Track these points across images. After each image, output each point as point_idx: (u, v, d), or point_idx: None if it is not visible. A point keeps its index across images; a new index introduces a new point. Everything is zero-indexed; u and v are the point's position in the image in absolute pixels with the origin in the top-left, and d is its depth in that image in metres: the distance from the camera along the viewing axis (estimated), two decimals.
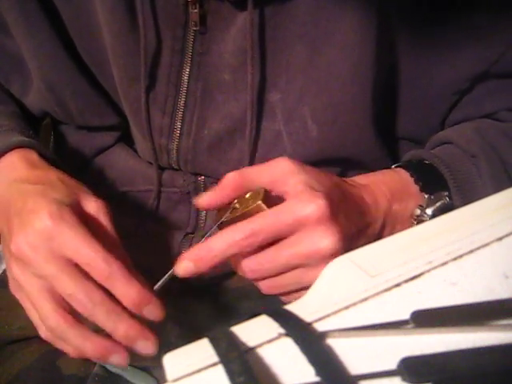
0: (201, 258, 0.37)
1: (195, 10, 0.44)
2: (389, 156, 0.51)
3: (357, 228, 0.40)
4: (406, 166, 0.47)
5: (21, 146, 0.45)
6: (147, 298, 0.36)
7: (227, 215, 0.39)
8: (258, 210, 0.38)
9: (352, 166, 0.51)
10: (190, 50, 0.46)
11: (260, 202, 0.38)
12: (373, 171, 0.49)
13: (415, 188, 0.45)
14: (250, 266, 0.38)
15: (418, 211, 0.44)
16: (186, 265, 0.37)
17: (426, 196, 0.44)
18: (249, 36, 0.43)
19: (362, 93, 0.45)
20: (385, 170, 0.47)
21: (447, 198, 0.44)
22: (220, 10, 0.44)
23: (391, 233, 0.43)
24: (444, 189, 0.44)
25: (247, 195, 0.40)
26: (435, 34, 0.45)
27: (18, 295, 0.41)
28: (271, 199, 0.39)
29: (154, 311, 0.37)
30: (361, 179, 0.46)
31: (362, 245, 0.40)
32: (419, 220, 0.44)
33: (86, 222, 0.39)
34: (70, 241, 0.36)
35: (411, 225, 0.44)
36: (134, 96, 0.49)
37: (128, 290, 0.36)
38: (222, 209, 0.41)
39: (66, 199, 0.39)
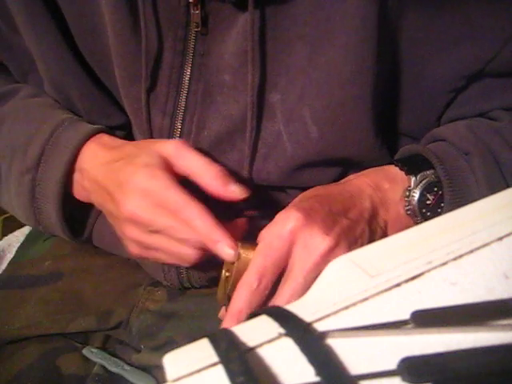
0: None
1: (197, 11, 0.44)
2: (389, 154, 0.51)
3: (347, 219, 0.40)
4: (393, 161, 0.48)
5: (93, 134, 0.49)
6: (218, 236, 0.40)
7: (229, 288, 0.40)
8: (246, 261, 0.39)
9: (352, 165, 0.51)
10: (191, 51, 0.46)
11: (241, 252, 0.40)
12: None
13: (400, 174, 0.46)
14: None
15: (407, 192, 0.45)
16: None
17: (413, 178, 0.45)
18: (249, 37, 0.43)
19: (363, 93, 0.45)
20: (370, 169, 0.49)
21: (433, 176, 0.45)
22: (221, 11, 0.44)
23: (386, 216, 0.45)
24: (429, 168, 0.46)
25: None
26: (434, 31, 0.45)
27: (144, 253, 0.46)
28: (249, 244, 0.41)
29: (224, 247, 0.40)
30: (345, 179, 0.48)
31: (359, 230, 0.41)
32: (409, 202, 0.45)
33: (173, 170, 0.44)
34: (162, 194, 0.41)
35: (403, 206, 0.46)
36: (135, 96, 0.49)
37: (203, 229, 0.40)
38: (219, 285, 0.42)
39: (151, 160, 0.43)
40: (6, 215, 1.25)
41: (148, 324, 0.57)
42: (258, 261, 0.38)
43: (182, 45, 0.46)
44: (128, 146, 0.47)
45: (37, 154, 0.48)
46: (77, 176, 0.48)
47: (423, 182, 0.45)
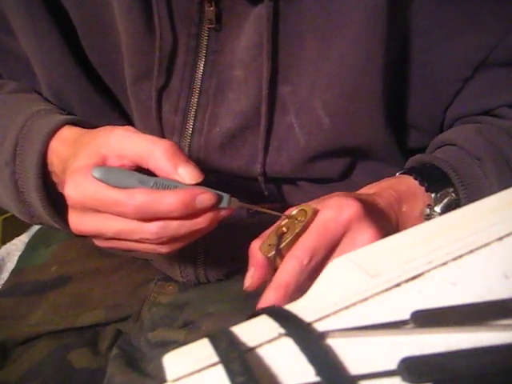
0: (281, 300, 0.35)
1: (211, 8, 0.44)
2: (396, 144, 0.51)
3: (383, 227, 0.40)
4: (410, 171, 0.47)
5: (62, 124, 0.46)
6: (188, 198, 0.36)
7: (284, 243, 0.38)
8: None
9: (361, 155, 0.51)
10: (204, 47, 0.46)
11: (309, 212, 0.38)
12: (381, 160, 0.50)
13: (421, 189, 0.45)
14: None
15: (428, 210, 0.45)
16: None
17: (433, 195, 0.45)
18: (265, 30, 0.43)
19: (373, 82, 0.46)
20: (388, 178, 0.48)
21: (453, 194, 0.45)
22: (235, 7, 0.44)
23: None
24: (449, 186, 0.45)
25: (293, 212, 0.40)
26: (439, 19, 0.45)
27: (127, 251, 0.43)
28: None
29: (205, 198, 0.37)
30: (366, 190, 0.46)
31: None
32: (429, 219, 0.45)
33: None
34: (93, 200, 0.37)
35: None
36: (147, 95, 0.49)
37: (169, 204, 0.36)
38: (270, 235, 0.40)
39: (85, 161, 0.39)
40: (6, 215, 1.25)
41: (161, 316, 0.57)
42: (312, 238, 0.36)
43: (195, 42, 0.46)
44: (78, 142, 0.43)
45: (12, 145, 0.46)
46: (54, 159, 0.45)
47: (444, 201, 0.44)
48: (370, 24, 0.43)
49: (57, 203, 0.46)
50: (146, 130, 0.52)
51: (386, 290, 0.25)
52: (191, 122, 0.49)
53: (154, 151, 0.37)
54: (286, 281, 0.36)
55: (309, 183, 0.51)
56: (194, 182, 0.37)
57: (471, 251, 0.26)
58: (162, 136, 0.50)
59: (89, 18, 0.49)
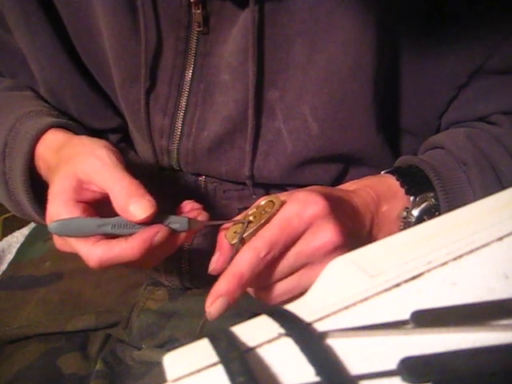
0: (234, 290, 0.35)
1: (198, 11, 0.44)
2: (390, 150, 0.51)
3: (352, 226, 0.40)
4: (394, 171, 0.47)
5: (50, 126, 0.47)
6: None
7: (249, 231, 0.39)
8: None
9: (353, 161, 0.51)
10: (193, 51, 0.46)
11: (276, 203, 0.38)
12: (374, 166, 0.49)
13: (401, 191, 0.45)
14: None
15: (404, 213, 0.44)
16: (220, 304, 0.35)
17: (411, 198, 0.44)
18: (251, 34, 0.43)
19: (363, 89, 0.45)
20: (371, 176, 0.48)
21: (432, 200, 0.44)
22: (222, 11, 0.44)
23: (378, 234, 0.44)
24: (429, 190, 0.45)
25: (262, 202, 0.40)
26: (434, 27, 0.45)
27: None
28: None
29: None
30: (348, 186, 0.46)
31: (355, 247, 0.40)
32: (406, 221, 0.44)
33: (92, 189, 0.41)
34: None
35: (398, 226, 0.45)
36: (135, 97, 0.49)
37: (128, 256, 0.38)
38: (235, 224, 0.41)
39: (60, 187, 0.41)
40: (6, 215, 1.25)
41: (149, 323, 0.57)
42: (273, 231, 0.37)
43: (183, 45, 0.46)
44: (61, 153, 0.44)
45: (1, 146, 0.47)
46: (40, 164, 0.47)
47: (423, 205, 0.44)
48: (359, 29, 0.42)
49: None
50: (137, 131, 0.52)
51: (386, 290, 0.25)
52: (179, 125, 0.49)
53: (113, 189, 0.39)
54: (240, 271, 0.35)
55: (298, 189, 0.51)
56: (144, 216, 0.38)
57: (471, 251, 0.26)
58: (151, 139, 0.50)
59: (75, 18, 0.49)
